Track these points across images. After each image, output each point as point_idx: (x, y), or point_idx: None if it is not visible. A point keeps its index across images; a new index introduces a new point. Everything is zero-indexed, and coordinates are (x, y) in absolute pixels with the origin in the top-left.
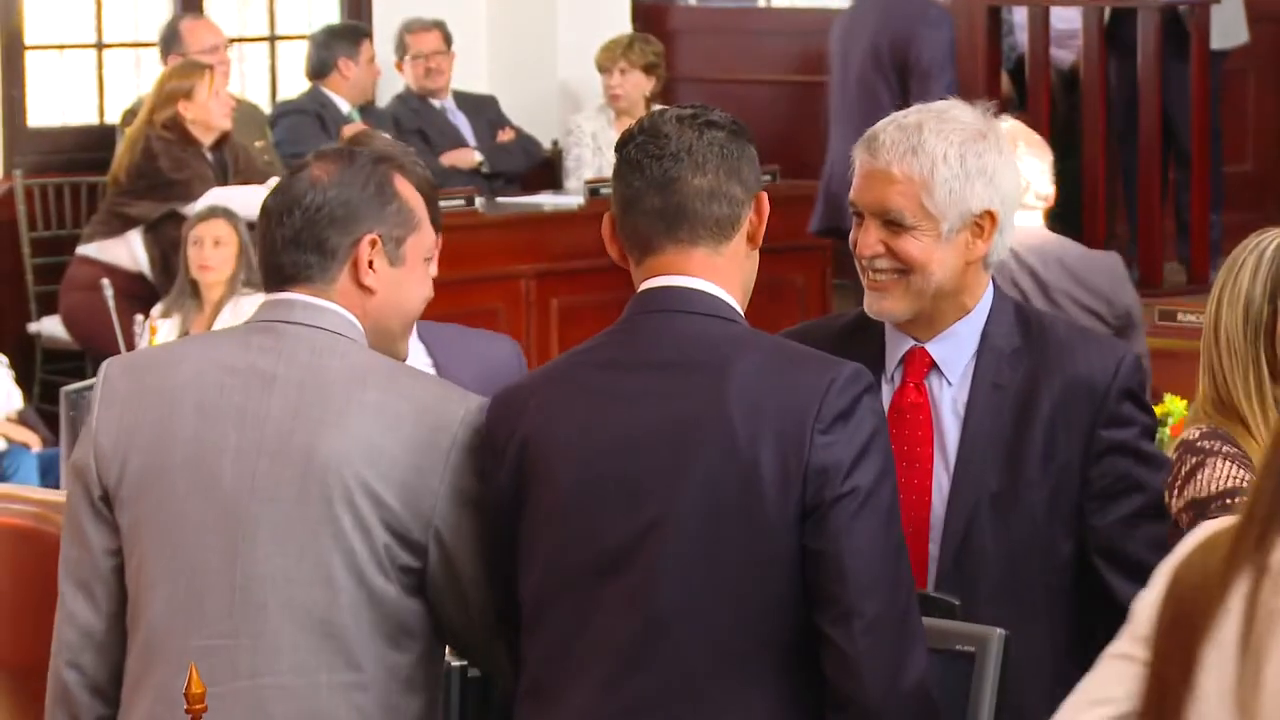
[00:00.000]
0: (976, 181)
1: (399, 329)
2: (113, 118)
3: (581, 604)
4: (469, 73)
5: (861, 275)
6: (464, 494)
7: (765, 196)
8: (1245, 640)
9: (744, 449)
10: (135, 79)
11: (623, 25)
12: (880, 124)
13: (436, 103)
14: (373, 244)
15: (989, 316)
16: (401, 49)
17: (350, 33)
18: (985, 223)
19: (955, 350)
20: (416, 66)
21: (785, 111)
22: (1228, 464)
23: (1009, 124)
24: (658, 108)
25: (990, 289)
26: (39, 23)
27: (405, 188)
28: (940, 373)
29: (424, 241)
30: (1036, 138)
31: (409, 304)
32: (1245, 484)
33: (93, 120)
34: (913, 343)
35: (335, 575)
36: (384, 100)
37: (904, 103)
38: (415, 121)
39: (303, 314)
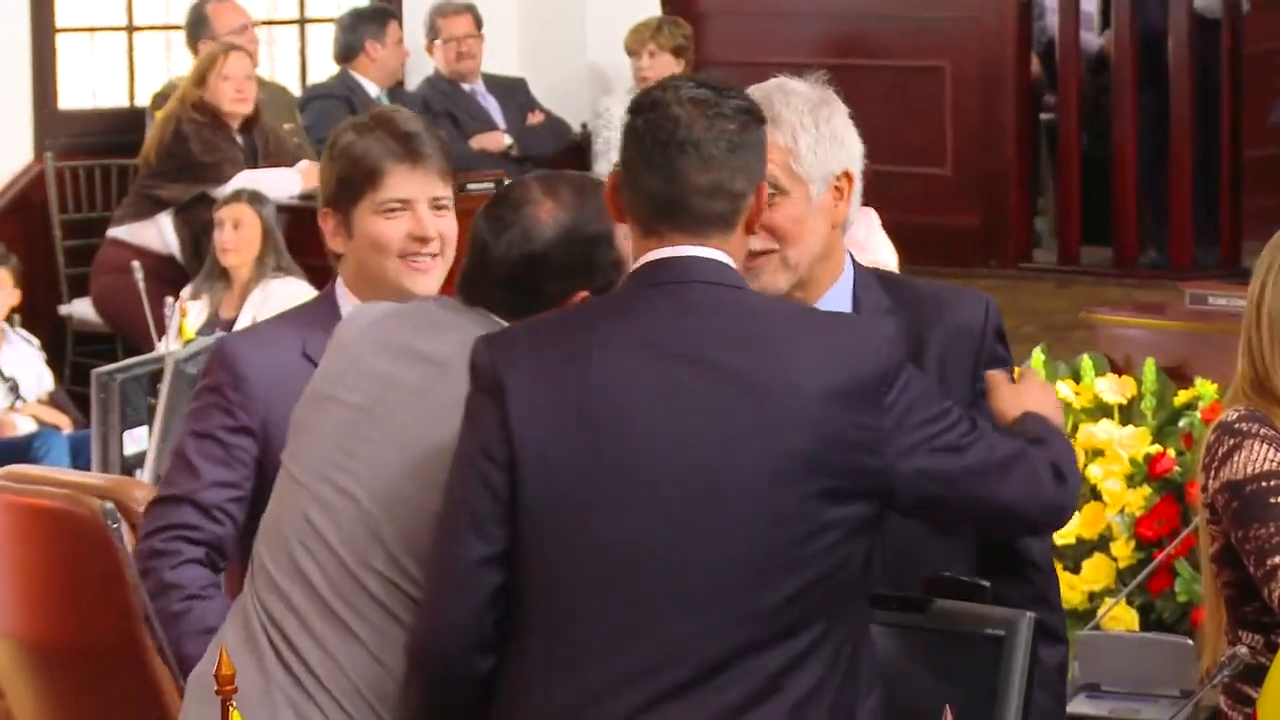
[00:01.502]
0: (831, 144)
1: None
2: (143, 100)
3: (618, 578)
4: (499, 55)
5: None
6: None
7: (765, 184)
8: None
9: (814, 418)
10: (165, 62)
11: (652, 8)
12: None
13: (466, 86)
14: (585, 299)
15: (854, 281)
16: (432, 32)
17: (377, 15)
18: (844, 184)
19: None
20: (448, 50)
21: None
22: (1265, 446)
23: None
24: (675, 78)
25: (847, 254)
26: (70, 5)
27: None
28: None
29: None
30: None
31: None
32: None
33: (123, 103)
34: None
35: (384, 549)
36: (413, 83)
37: None
38: (445, 104)
39: (474, 319)
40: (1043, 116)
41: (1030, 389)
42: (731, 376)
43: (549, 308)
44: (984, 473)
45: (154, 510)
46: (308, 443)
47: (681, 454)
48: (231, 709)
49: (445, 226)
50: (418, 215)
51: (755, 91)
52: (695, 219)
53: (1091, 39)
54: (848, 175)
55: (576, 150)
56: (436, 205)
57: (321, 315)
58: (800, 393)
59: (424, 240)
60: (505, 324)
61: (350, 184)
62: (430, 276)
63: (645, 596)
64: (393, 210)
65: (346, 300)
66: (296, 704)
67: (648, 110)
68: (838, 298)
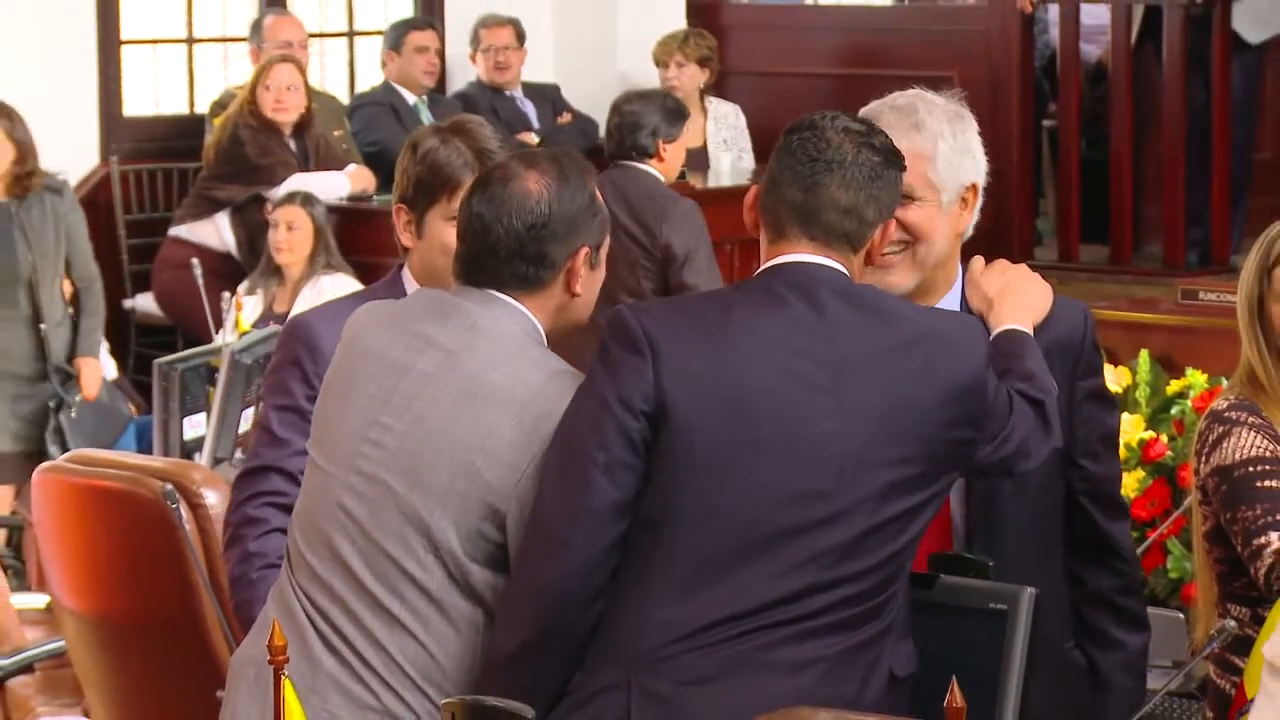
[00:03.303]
0: (965, 156)
1: (584, 318)
2: (202, 108)
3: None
4: (534, 64)
5: None
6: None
7: (893, 223)
8: None
9: (925, 410)
10: (223, 71)
11: (678, 21)
12: (871, 107)
13: (507, 92)
14: (586, 256)
15: (963, 288)
16: (475, 41)
17: (400, 26)
18: (970, 196)
19: None
20: (487, 59)
21: (829, 102)
22: (1252, 434)
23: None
24: (833, 112)
25: (959, 263)
26: (134, 19)
27: (600, 194)
28: None
29: (609, 241)
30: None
31: (595, 297)
32: (1269, 453)
33: (183, 110)
34: None
35: (411, 531)
36: (457, 88)
37: None
38: (486, 109)
39: (479, 299)
40: (1045, 123)
41: (1008, 283)
42: (854, 367)
43: (555, 271)
44: (1020, 448)
45: (242, 482)
46: (332, 433)
47: (805, 429)
48: (284, 677)
49: None
50: None
51: (899, 99)
52: (825, 231)
53: (1090, 50)
54: (974, 188)
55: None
56: None
57: (388, 296)
58: (914, 385)
59: None
60: (508, 299)
61: (426, 188)
62: None
63: (760, 549)
64: None
65: (411, 287)
66: (346, 687)
67: (804, 130)
68: (948, 304)
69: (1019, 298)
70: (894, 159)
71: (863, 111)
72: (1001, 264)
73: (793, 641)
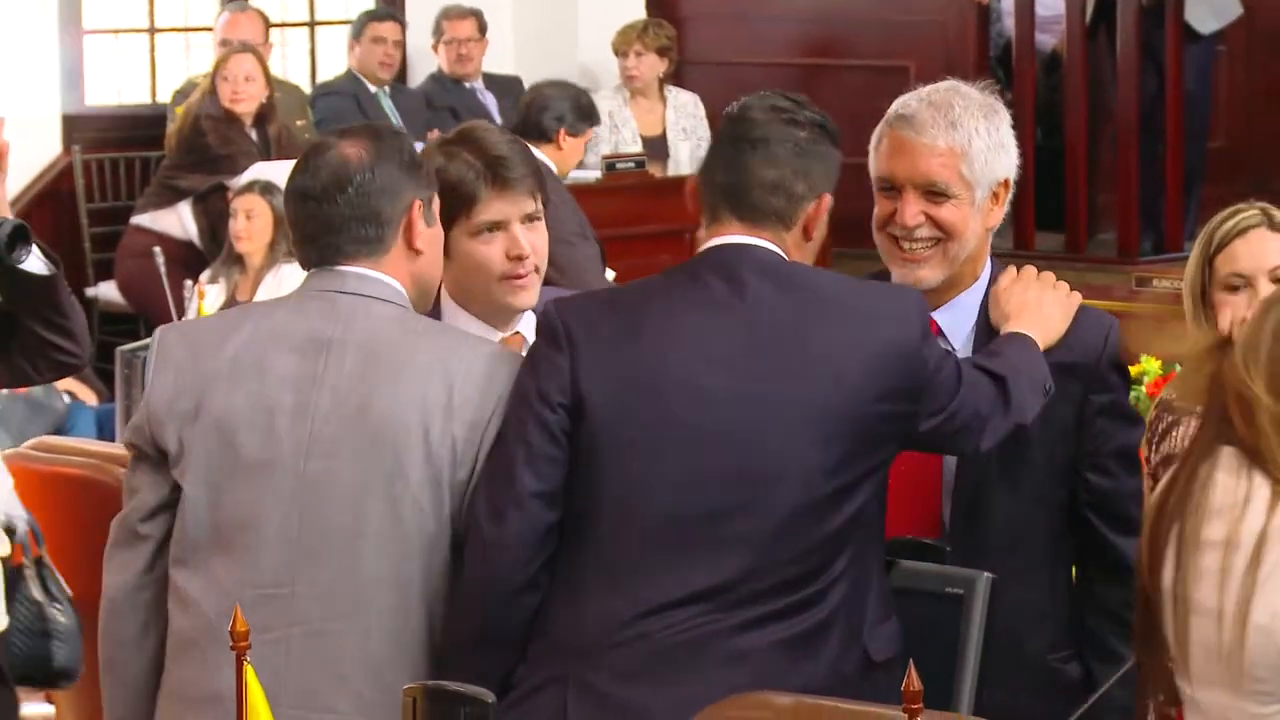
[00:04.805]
0: (999, 152)
1: (437, 278)
2: (164, 98)
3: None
4: (496, 55)
5: (891, 247)
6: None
7: (829, 198)
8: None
9: (852, 383)
10: (185, 61)
11: (638, 11)
12: (907, 101)
13: (467, 84)
14: (419, 208)
15: (987, 287)
16: (438, 33)
17: (364, 16)
18: (1002, 191)
19: (960, 318)
20: (449, 51)
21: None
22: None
23: None
24: (771, 93)
25: (989, 258)
26: (96, 8)
27: (420, 154)
28: (946, 339)
29: (436, 200)
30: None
31: (440, 255)
32: None
33: (145, 100)
34: None
35: (397, 526)
36: (419, 79)
37: None
38: (447, 100)
39: (355, 284)
40: None
41: (1026, 302)
42: (776, 346)
43: (394, 228)
44: (969, 424)
45: None
46: (248, 465)
47: (723, 411)
48: (246, 663)
49: (537, 240)
50: (511, 235)
51: (934, 94)
52: (753, 210)
53: (1045, 39)
54: (1006, 183)
55: None
56: (528, 219)
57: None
58: (840, 360)
59: (520, 258)
60: (366, 271)
61: (444, 209)
62: (530, 291)
63: (685, 535)
64: (486, 232)
65: (448, 308)
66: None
67: (734, 112)
68: (972, 297)
69: (1035, 317)
70: (823, 133)
71: (896, 103)
72: (1028, 276)
73: (728, 633)
